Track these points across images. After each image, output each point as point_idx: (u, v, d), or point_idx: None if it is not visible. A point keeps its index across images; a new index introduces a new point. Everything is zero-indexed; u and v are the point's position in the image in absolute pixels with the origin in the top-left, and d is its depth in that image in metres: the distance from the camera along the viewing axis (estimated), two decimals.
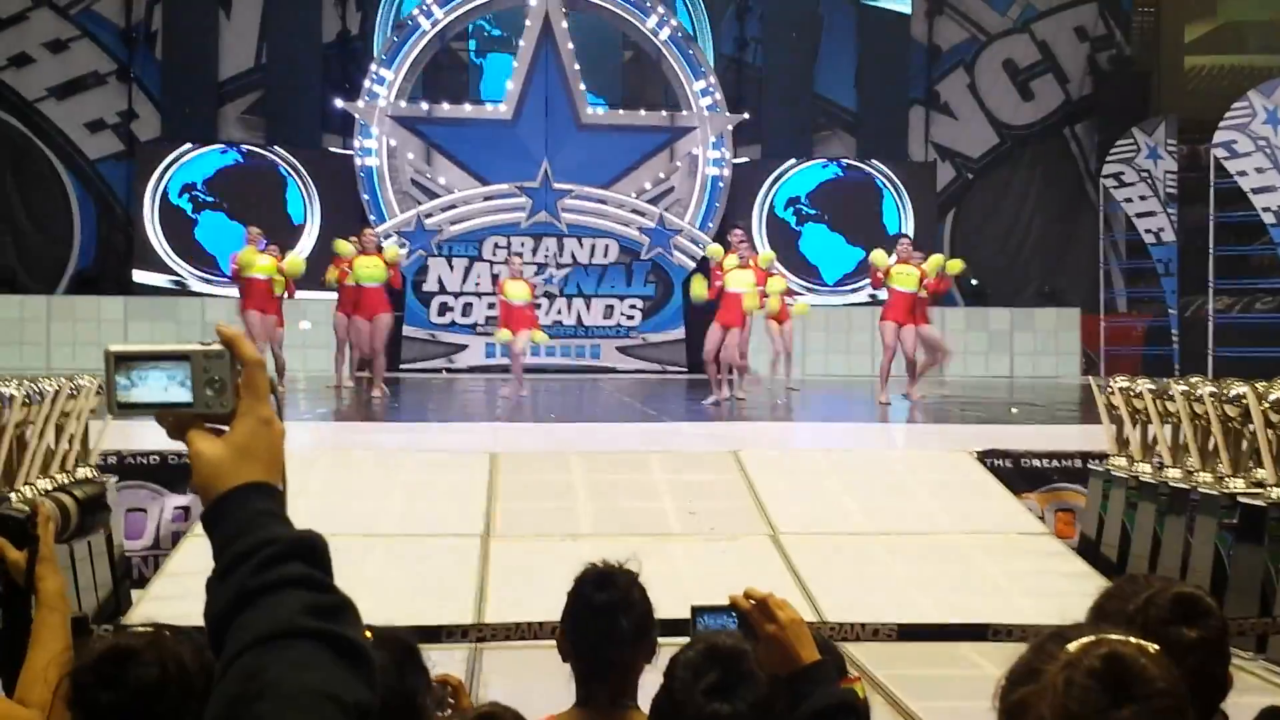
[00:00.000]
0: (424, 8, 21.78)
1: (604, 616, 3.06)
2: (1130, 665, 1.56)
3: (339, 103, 22.22)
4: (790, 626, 2.43)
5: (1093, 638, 1.60)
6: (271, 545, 1.34)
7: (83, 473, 7.81)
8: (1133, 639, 1.60)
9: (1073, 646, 1.58)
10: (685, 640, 2.51)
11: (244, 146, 22.31)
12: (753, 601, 2.46)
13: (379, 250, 16.04)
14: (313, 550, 1.36)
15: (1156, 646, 1.60)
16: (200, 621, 1.38)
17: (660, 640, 3.11)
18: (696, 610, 2.56)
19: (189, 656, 2.20)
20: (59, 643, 2.48)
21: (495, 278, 19.90)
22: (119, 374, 1.43)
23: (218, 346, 1.43)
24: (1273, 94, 19.99)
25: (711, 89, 22.10)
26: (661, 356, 21.34)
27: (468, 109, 22.27)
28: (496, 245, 21.64)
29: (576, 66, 21.87)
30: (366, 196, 21.49)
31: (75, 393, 7.60)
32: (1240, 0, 25.84)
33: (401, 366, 20.01)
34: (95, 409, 8.03)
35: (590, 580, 3.14)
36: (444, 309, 21.44)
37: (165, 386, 1.42)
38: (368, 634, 2.45)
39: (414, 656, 2.70)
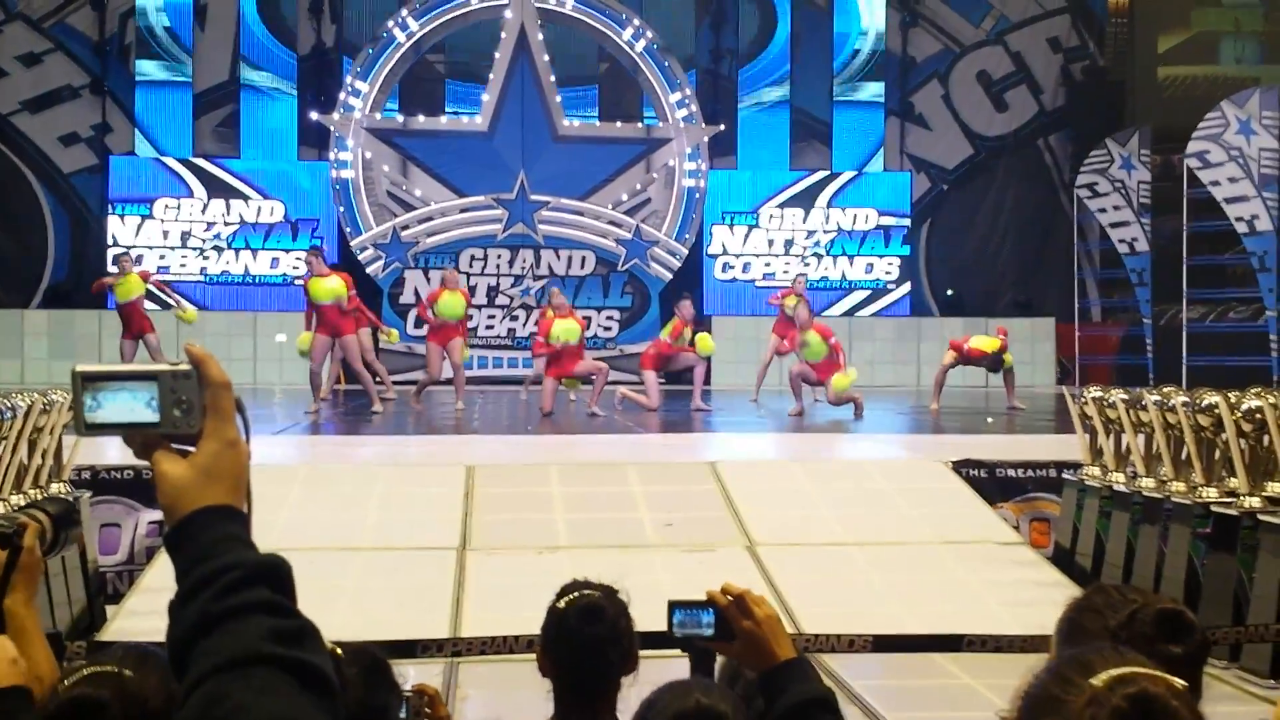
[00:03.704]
0: (399, 20, 21.76)
1: (593, 651, 2.99)
2: (1160, 707, 1.50)
3: (314, 115, 22.16)
4: (767, 623, 2.41)
5: (1120, 671, 1.53)
6: (235, 569, 1.34)
7: (56, 488, 7.76)
8: (1159, 674, 1.54)
9: (1098, 681, 1.52)
10: (663, 652, 2.49)
11: (212, 159, 22.25)
12: (730, 597, 2.46)
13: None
14: (276, 575, 1.36)
15: (1183, 683, 1.56)
16: None
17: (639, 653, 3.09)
18: (673, 605, 2.53)
19: (153, 691, 2.18)
20: (43, 646, 2.47)
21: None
22: (86, 394, 1.43)
23: (186, 367, 1.42)
24: (1245, 104, 20.11)
25: (687, 100, 22.13)
26: (639, 368, 21.30)
27: (443, 121, 22.25)
28: (473, 257, 21.63)
29: (552, 78, 21.87)
30: (342, 209, 21.44)
31: (48, 408, 7.55)
32: (1213, 11, 26.02)
33: (376, 380, 19.93)
34: (68, 424, 7.98)
35: (578, 612, 3.05)
36: (420, 321, 21.38)
37: (132, 407, 1.42)
38: (338, 650, 2.45)
39: (384, 670, 2.69)
